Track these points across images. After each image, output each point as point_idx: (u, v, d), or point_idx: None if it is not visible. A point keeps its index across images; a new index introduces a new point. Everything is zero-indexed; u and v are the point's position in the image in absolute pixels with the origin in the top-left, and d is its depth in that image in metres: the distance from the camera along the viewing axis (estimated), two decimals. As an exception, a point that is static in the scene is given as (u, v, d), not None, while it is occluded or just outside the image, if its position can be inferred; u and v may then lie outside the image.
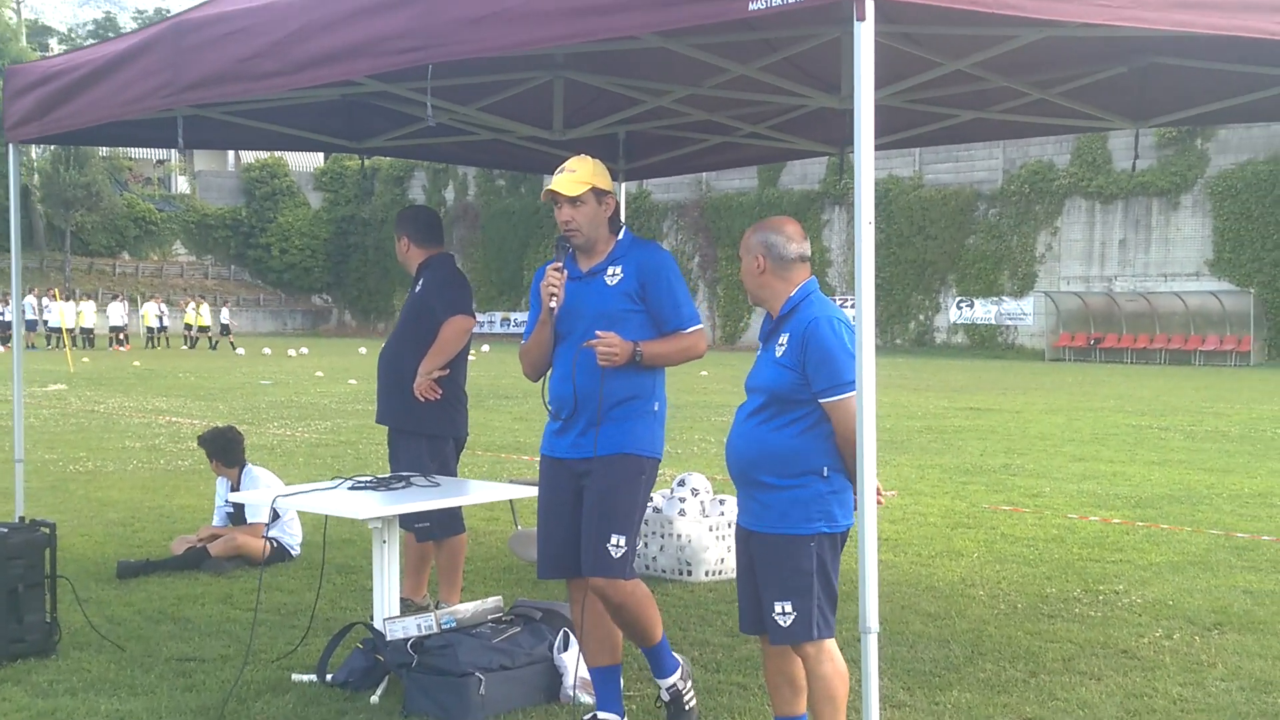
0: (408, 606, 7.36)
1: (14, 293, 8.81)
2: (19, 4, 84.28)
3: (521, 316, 70.71)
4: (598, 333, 5.40)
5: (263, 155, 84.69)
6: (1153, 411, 24.42)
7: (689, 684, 5.76)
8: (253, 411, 22.75)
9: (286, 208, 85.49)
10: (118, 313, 57.31)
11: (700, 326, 5.71)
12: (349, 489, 6.60)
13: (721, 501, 8.97)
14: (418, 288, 7.80)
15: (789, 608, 4.85)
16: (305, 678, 6.37)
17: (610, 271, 5.58)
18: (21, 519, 6.97)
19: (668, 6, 4.71)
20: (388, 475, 6.87)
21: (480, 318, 71.97)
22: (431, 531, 7.56)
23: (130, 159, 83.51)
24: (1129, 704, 6.13)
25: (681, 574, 8.78)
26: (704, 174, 63.64)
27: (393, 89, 7.74)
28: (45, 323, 53.82)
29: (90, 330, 55.87)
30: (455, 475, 7.70)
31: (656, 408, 5.67)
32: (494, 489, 7.32)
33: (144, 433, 18.79)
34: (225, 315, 61.98)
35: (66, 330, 45.72)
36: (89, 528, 10.65)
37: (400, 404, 7.60)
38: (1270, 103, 7.77)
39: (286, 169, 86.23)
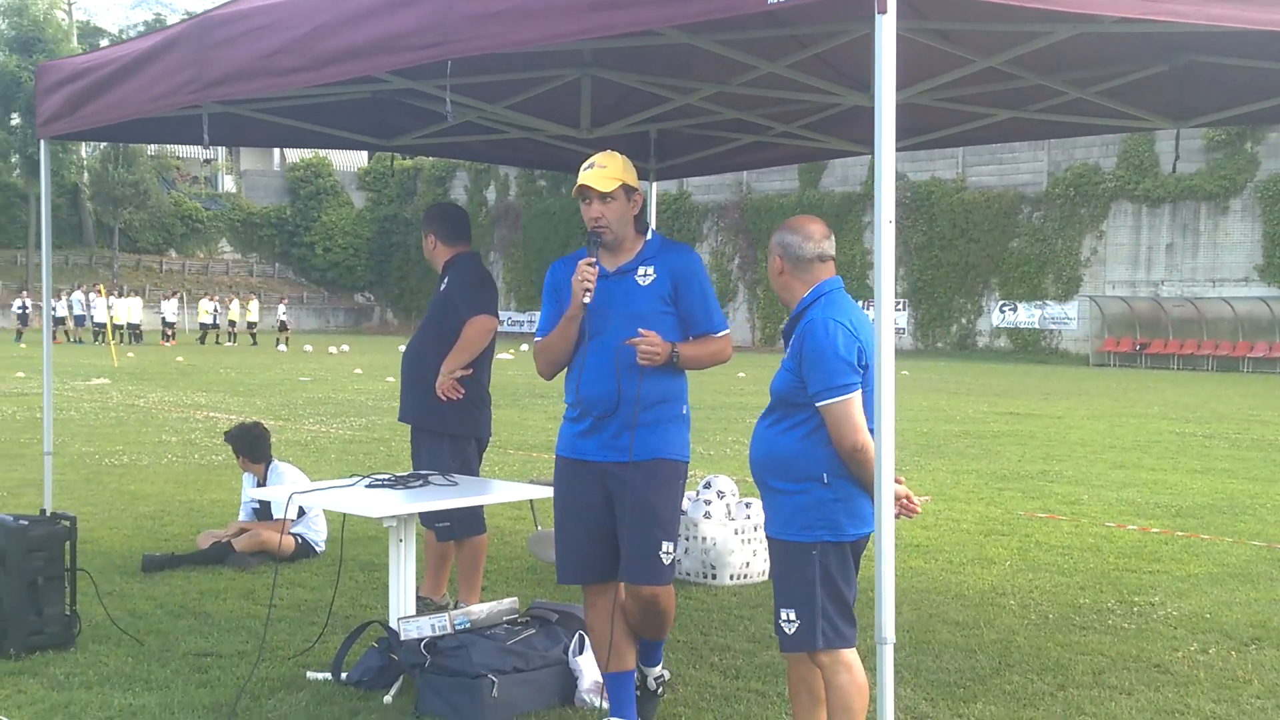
0: (426, 605, 7.30)
1: (44, 287, 8.84)
2: (70, 6, 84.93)
3: (563, 317, 70.67)
4: (641, 331, 5.30)
5: (307, 155, 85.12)
6: (1197, 419, 24.12)
7: (657, 681, 5.83)
8: (289, 407, 22.79)
9: (330, 207, 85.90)
10: (170, 309, 57.90)
11: (728, 331, 5.68)
12: (366, 487, 6.53)
13: (747, 505, 8.86)
14: (443, 286, 7.72)
15: (793, 615, 4.75)
16: (320, 675, 6.32)
17: (642, 271, 5.49)
18: (43, 512, 6.93)
19: (684, 0, 4.61)
20: (405, 474, 6.79)
21: (519, 317, 72.57)
22: (452, 531, 7.49)
23: (178, 158, 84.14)
24: None
25: (706, 577, 8.67)
26: (744, 176, 63.56)
27: (418, 86, 7.68)
28: (91, 318, 54.30)
29: (137, 326, 56.19)
30: (477, 475, 7.61)
31: (685, 411, 5.60)
32: (512, 489, 7.23)
33: (181, 427, 18.84)
34: (281, 311, 62.45)
35: (112, 325, 46.06)
36: (119, 521, 10.65)
37: (423, 403, 7.53)
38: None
39: (330, 168, 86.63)
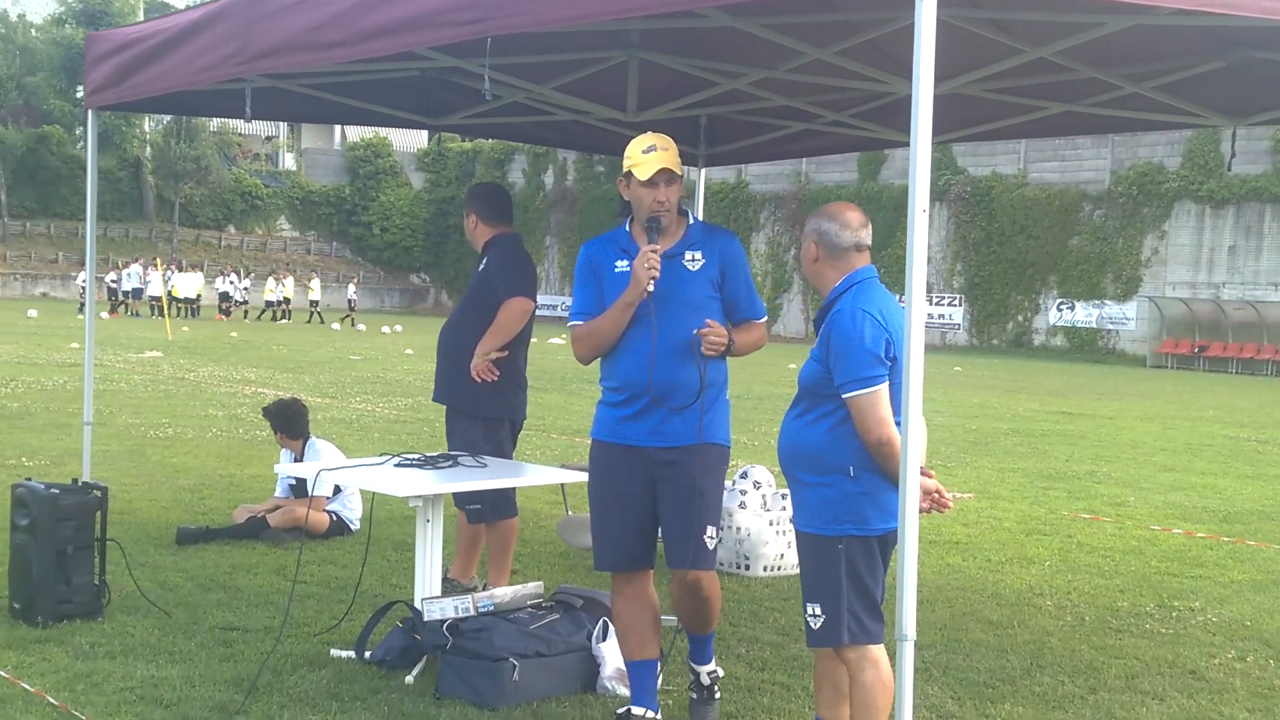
0: (453, 587, 7.28)
1: (88, 257, 8.85)
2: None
3: (617, 302, 70.75)
4: (708, 322, 5.24)
5: (367, 134, 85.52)
6: (1253, 424, 23.83)
7: (714, 678, 5.72)
8: (338, 385, 22.88)
9: (389, 187, 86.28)
10: (228, 285, 58.58)
11: (766, 317, 5.65)
12: (395, 466, 6.51)
13: (784, 496, 8.79)
14: (482, 266, 7.68)
15: (818, 610, 4.67)
16: (344, 653, 6.30)
17: (689, 256, 5.41)
18: (75, 481, 6.94)
19: (723, -24, 4.56)
20: (435, 454, 6.76)
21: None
22: (483, 514, 7.45)
23: (239, 134, 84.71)
24: (1190, 726, 5.89)
25: (739, 568, 8.61)
26: (803, 166, 63.43)
27: (464, 65, 7.66)
28: (147, 291, 54.83)
29: (193, 300, 56.69)
30: (510, 458, 7.57)
31: (727, 396, 5.57)
32: (542, 472, 7.19)
33: (228, 402, 18.96)
34: (351, 291, 63.00)
35: (168, 299, 46.49)
36: (158, 493, 10.70)
37: (458, 384, 7.48)
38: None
39: (390, 149, 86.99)
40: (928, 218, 4.31)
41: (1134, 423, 22.77)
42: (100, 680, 5.76)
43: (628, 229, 5.56)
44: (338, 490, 9.15)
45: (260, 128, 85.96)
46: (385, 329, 51.26)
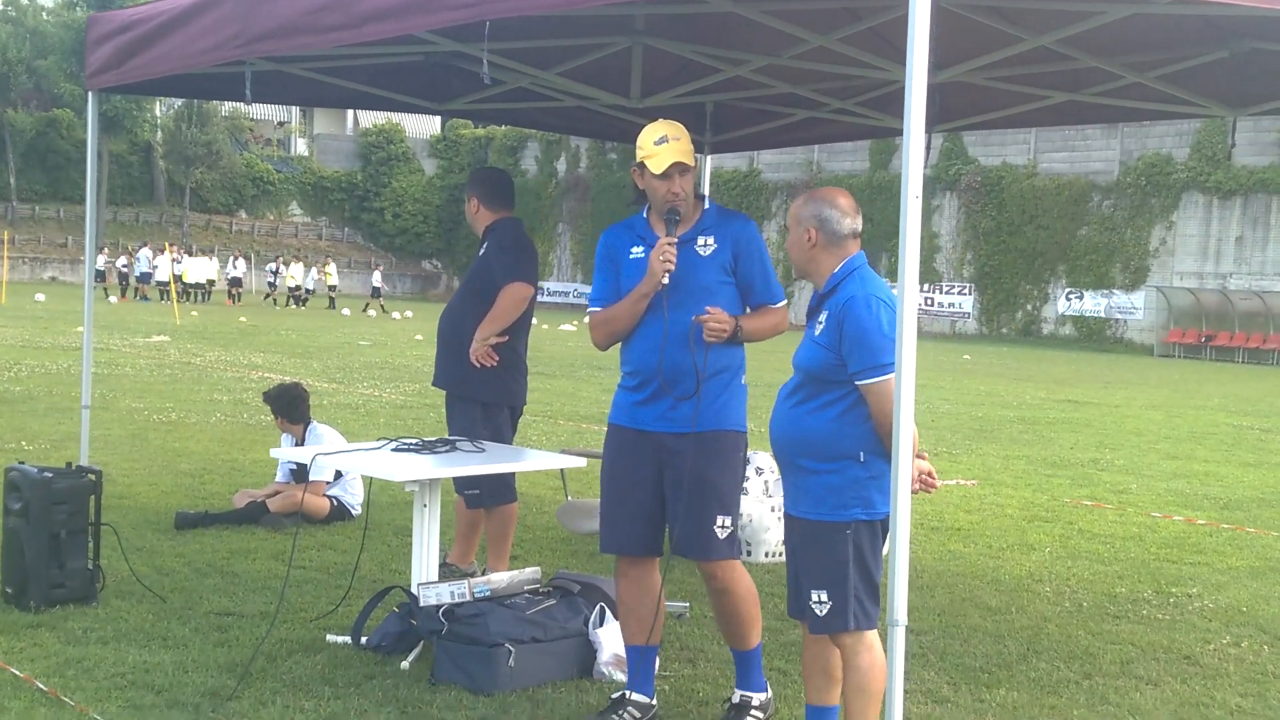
0: (451, 572, 7.26)
1: (88, 243, 8.83)
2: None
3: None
4: (708, 309, 5.21)
5: (380, 120, 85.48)
6: (1258, 412, 23.78)
7: (760, 715, 5.46)
8: (345, 371, 22.88)
9: (401, 173, 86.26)
10: (239, 269, 58.79)
11: (786, 302, 5.57)
12: (393, 450, 6.49)
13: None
14: (482, 250, 7.65)
15: (825, 596, 4.65)
16: (340, 639, 6.28)
17: (701, 241, 5.39)
18: (69, 465, 6.92)
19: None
20: (433, 439, 6.74)
21: (585, 289, 72.49)
22: (481, 499, 7.43)
23: (251, 119, 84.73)
24: (1183, 712, 5.86)
25: (740, 554, 8.56)
26: (814, 155, 63.34)
27: (466, 49, 7.62)
28: (155, 275, 54.93)
29: (202, 284, 56.75)
30: (509, 443, 7.54)
31: (742, 381, 5.53)
32: (540, 458, 7.15)
33: (233, 386, 18.96)
34: (377, 279, 63.09)
35: (178, 284, 46.54)
36: (159, 477, 10.69)
37: (457, 368, 7.45)
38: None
39: (403, 135, 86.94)
40: (919, 205, 4.29)
41: (1139, 411, 22.72)
42: (91, 665, 5.73)
43: (645, 215, 5.54)
44: (339, 475, 9.14)
45: (272, 113, 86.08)
46: (396, 315, 51.34)
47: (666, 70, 8.59)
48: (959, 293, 60.68)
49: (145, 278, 54.89)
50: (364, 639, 6.19)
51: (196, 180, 77.79)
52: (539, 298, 7.72)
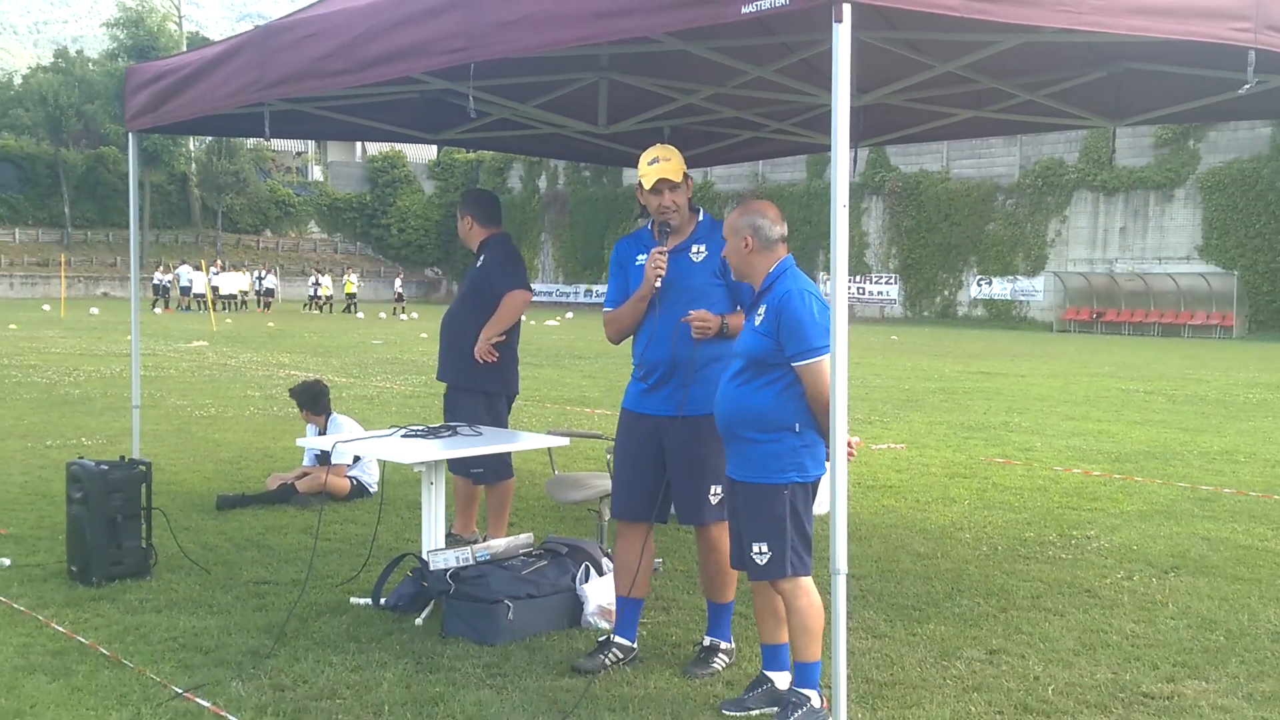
0: (456, 541, 7.22)
1: (133, 263, 8.72)
2: (181, 19, 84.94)
3: (602, 288, 70.80)
4: (691, 312, 5.20)
5: (385, 148, 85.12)
6: (1142, 377, 23.87)
7: (725, 660, 5.42)
8: (361, 367, 22.76)
9: (404, 194, 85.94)
10: (271, 281, 58.65)
11: None
12: (402, 437, 6.45)
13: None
14: (479, 263, 7.57)
15: (765, 548, 4.69)
16: (361, 601, 6.25)
17: (695, 249, 5.40)
18: (123, 458, 6.86)
19: (669, 10, 4.54)
20: (437, 425, 6.71)
21: (566, 289, 72.57)
22: (484, 476, 7.39)
23: (273, 150, 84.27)
24: (1085, 638, 5.87)
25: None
26: (759, 167, 63.35)
27: (455, 87, 7.57)
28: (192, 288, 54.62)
29: (234, 295, 56.43)
30: (506, 427, 7.51)
31: None
32: (532, 439, 7.11)
33: (265, 383, 18.84)
34: (397, 285, 62.66)
35: (214, 295, 46.25)
36: (201, 465, 10.62)
37: (463, 365, 7.37)
38: (1235, 104, 7.41)
39: (405, 160, 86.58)
40: (847, 212, 4.29)
41: (1042, 380, 22.78)
42: (147, 632, 5.69)
43: (650, 228, 5.55)
44: (357, 459, 9.09)
45: (291, 144, 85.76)
46: (403, 316, 51.14)
47: (629, 100, 8.56)
48: (886, 282, 60.75)
49: (185, 290, 54.54)
50: (383, 600, 6.17)
51: (227, 205, 77.38)
52: (527, 298, 7.72)
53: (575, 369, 22.88)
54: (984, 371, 24.61)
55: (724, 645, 5.45)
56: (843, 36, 4.12)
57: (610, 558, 6.29)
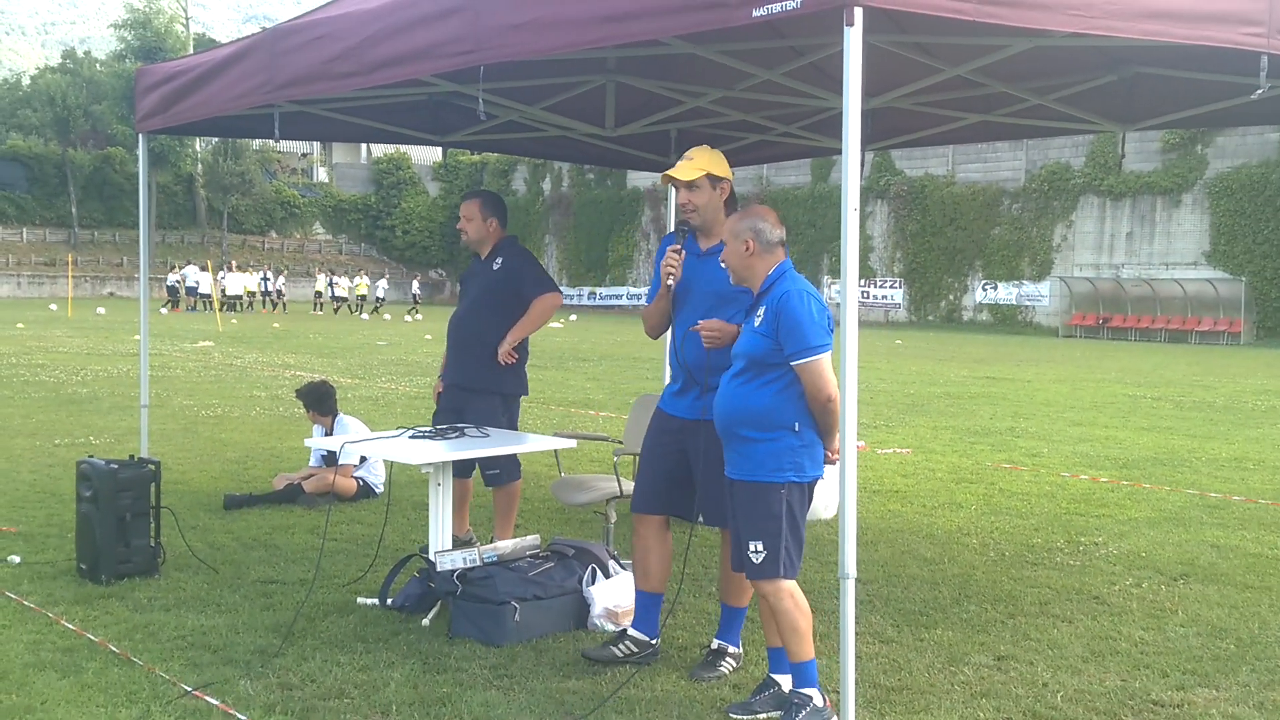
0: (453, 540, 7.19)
1: (142, 264, 8.78)
2: (188, 20, 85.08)
3: (605, 291, 70.93)
4: (701, 321, 5.19)
5: (389, 150, 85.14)
6: (1148, 384, 23.84)
7: (732, 664, 5.41)
8: (366, 368, 22.76)
9: (409, 195, 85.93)
10: (280, 283, 58.80)
11: None
12: (410, 438, 6.45)
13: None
14: (497, 264, 7.38)
15: (760, 547, 4.72)
16: (368, 601, 6.25)
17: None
18: (132, 457, 6.87)
19: (679, 12, 4.55)
20: (444, 426, 6.71)
21: (569, 292, 72.47)
22: (500, 478, 7.32)
23: (278, 152, 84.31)
24: (1094, 645, 5.86)
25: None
26: (764, 171, 63.29)
27: (463, 89, 7.59)
28: (199, 289, 54.65)
29: (239, 296, 56.43)
30: (517, 428, 7.48)
31: None
32: (540, 440, 7.10)
33: (270, 384, 18.85)
34: (415, 287, 62.61)
35: (222, 296, 46.27)
36: (208, 465, 10.62)
37: (481, 367, 7.26)
38: (1246, 109, 7.40)
39: (410, 162, 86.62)
40: (858, 215, 4.29)
41: (1048, 385, 22.76)
42: (156, 630, 5.70)
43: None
44: (364, 459, 9.09)
45: (297, 146, 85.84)
46: (407, 318, 51.17)
47: (636, 103, 8.57)
48: (891, 286, 60.70)
49: (191, 291, 54.57)
50: (389, 601, 6.17)
51: (233, 206, 77.40)
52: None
53: (580, 371, 22.88)
54: (990, 377, 24.59)
55: (731, 649, 5.45)
56: (854, 40, 4.13)
57: (617, 560, 6.30)
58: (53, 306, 50.61)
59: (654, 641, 5.51)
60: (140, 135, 8.24)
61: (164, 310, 49.77)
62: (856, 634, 4.72)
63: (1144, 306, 51.36)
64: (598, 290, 71.30)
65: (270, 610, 6.09)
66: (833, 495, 7.40)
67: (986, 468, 11.69)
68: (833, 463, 4.82)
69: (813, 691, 4.73)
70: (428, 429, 6.62)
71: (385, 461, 9.28)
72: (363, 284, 61.31)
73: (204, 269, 54.63)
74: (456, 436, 6.48)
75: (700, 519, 5.38)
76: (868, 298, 60.49)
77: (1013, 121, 8.43)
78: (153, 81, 7.93)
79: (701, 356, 5.26)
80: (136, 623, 5.80)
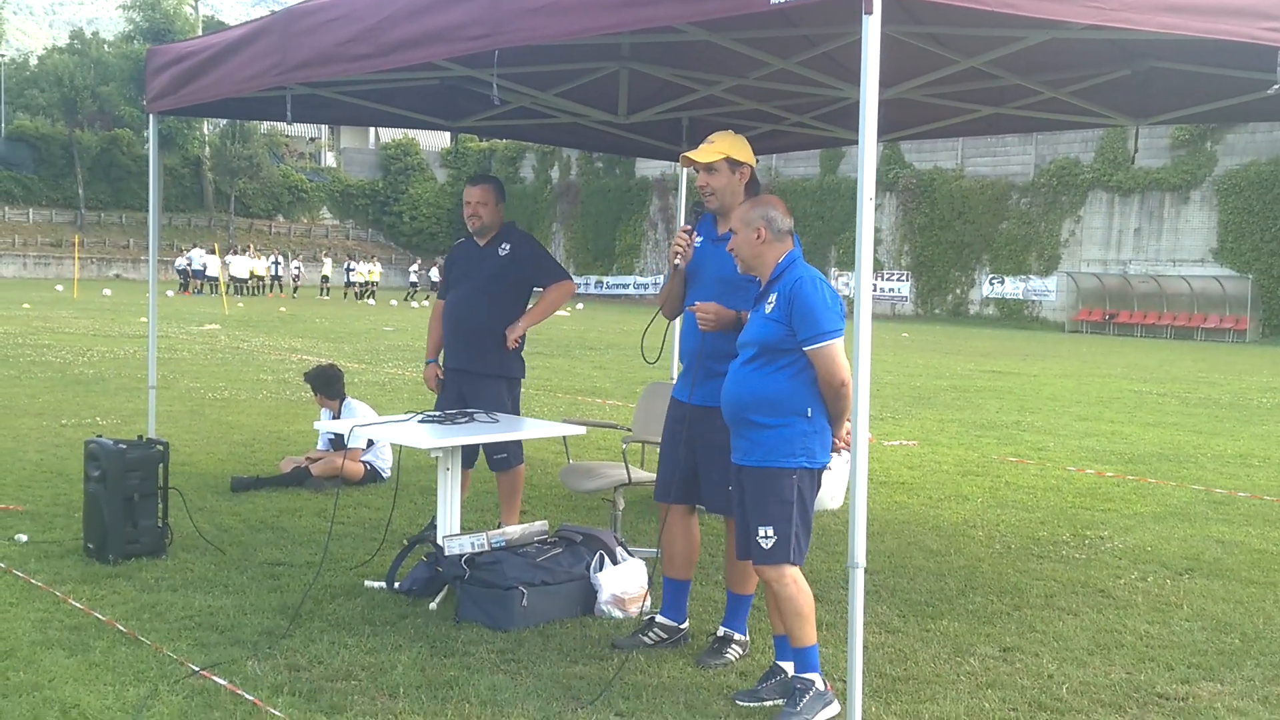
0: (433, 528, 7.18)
1: (151, 247, 8.78)
2: (197, 2, 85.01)
3: (613, 280, 70.87)
4: (698, 303, 5.19)
5: (397, 135, 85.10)
6: (1154, 379, 23.82)
7: (739, 651, 5.43)
8: (372, 353, 22.78)
9: (416, 181, 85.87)
10: (293, 268, 58.91)
11: None
12: (419, 422, 6.46)
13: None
14: (504, 250, 7.28)
15: (770, 532, 4.73)
16: (376, 584, 6.27)
17: None
18: (140, 437, 6.88)
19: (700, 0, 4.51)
20: (453, 411, 6.71)
21: (578, 280, 72.35)
22: (507, 461, 7.32)
23: (286, 136, 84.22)
24: (1099, 638, 5.87)
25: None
26: (773, 162, 63.16)
27: (477, 74, 7.58)
28: (206, 272, 54.65)
29: (246, 280, 56.41)
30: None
31: None
32: (549, 427, 7.10)
33: (277, 367, 18.87)
34: (435, 274, 62.66)
35: (229, 279, 46.28)
36: (215, 447, 10.64)
37: (487, 351, 7.23)
38: (1261, 105, 7.38)
39: (418, 148, 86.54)
40: (874, 206, 4.29)
41: (1054, 380, 22.75)
42: (164, 610, 5.72)
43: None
44: (371, 443, 9.10)
45: (305, 129, 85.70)
46: (414, 304, 51.21)
47: (649, 90, 8.56)
48: (898, 279, 60.64)
49: (198, 274, 54.57)
50: (397, 584, 6.19)
51: (240, 189, 77.36)
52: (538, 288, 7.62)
53: (586, 359, 22.88)
54: (996, 370, 24.57)
55: (738, 637, 5.46)
56: (873, 29, 4.13)
57: (625, 547, 6.31)
58: (59, 287, 50.64)
59: (682, 626, 5.55)
60: (150, 116, 8.23)
61: (170, 294, 49.80)
62: (863, 623, 4.73)
63: (1150, 303, 51.29)
64: (605, 279, 71.26)
65: (278, 592, 6.11)
66: (838, 487, 7.40)
67: (993, 461, 11.69)
68: (840, 451, 4.85)
69: (814, 676, 4.76)
70: (437, 414, 6.63)
71: (393, 446, 9.29)
72: (374, 270, 61.14)
73: (210, 252, 54.65)
74: (466, 421, 6.48)
75: (702, 506, 5.40)
76: (875, 290, 60.44)
77: (1026, 114, 8.41)
78: (164, 62, 7.91)
79: (695, 339, 5.27)
80: (144, 602, 5.82)
